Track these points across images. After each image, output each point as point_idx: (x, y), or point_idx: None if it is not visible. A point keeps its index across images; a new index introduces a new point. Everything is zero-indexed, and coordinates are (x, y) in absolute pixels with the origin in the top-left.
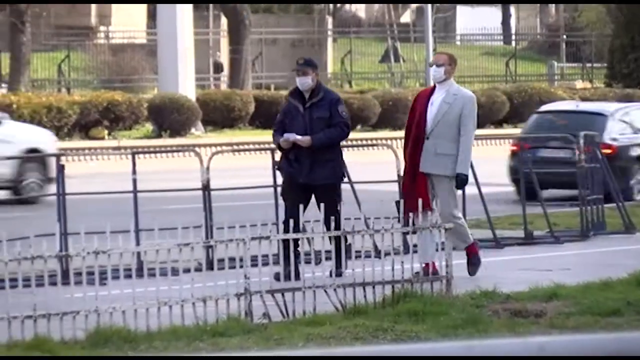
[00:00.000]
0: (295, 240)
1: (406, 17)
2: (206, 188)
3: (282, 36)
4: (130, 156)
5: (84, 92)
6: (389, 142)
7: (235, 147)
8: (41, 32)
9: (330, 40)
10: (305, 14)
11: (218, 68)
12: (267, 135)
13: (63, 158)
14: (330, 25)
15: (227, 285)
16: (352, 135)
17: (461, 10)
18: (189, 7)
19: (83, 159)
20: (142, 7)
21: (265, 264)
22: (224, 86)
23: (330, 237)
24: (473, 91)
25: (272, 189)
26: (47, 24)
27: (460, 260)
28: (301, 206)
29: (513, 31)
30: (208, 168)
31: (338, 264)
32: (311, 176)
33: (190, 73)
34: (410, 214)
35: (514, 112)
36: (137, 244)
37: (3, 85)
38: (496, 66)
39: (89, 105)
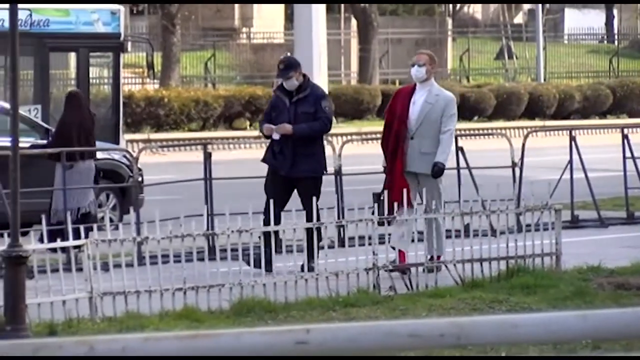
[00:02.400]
0: (276, 232)
1: (519, 18)
2: (339, 173)
3: (406, 36)
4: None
5: (228, 87)
6: (503, 131)
7: (364, 136)
8: (190, 34)
9: (450, 39)
10: (427, 16)
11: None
12: None
13: (209, 146)
14: (450, 26)
15: (357, 261)
16: (469, 125)
17: (569, 12)
18: (322, 10)
19: (227, 148)
20: (281, 11)
21: None
22: (353, 82)
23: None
24: (579, 86)
25: None
26: (195, 26)
27: (569, 239)
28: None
29: (616, 31)
30: (340, 155)
31: (310, 258)
32: (293, 169)
33: (324, 69)
34: (396, 205)
35: (617, 104)
36: (276, 223)
37: (156, 81)
38: (600, 63)
39: (232, 99)
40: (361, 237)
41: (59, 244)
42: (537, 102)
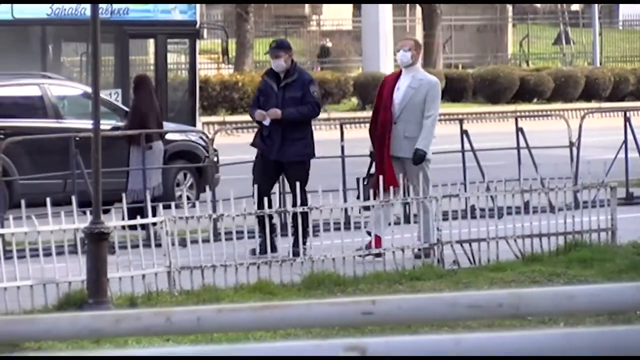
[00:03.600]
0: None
1: (575, 5)
2: None
3: (468, 22)
4: (338, 126)
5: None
6: (561, 112)
7: None
8: (262, 21)
9: (510, 26)
10: (489, 4)
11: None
12: (455, 107)
13: None
14: (510, 13)
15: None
16: (529, 107)
17: None
18: None
19: None
20: None
21: (455, 218)
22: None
23: (293, 215)
24: (634, 69)
25: (460, 154)
26: (267, 13)
27: (624, 215)
28: (271, 183)
29: None
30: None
31: (296, 243)
32: (281, 153)
33: (390, 54)
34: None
35: None
36: (345, 200)
37: (230, 66)
38: None
39: None
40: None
41: (139, 221)
42: (593, 85)
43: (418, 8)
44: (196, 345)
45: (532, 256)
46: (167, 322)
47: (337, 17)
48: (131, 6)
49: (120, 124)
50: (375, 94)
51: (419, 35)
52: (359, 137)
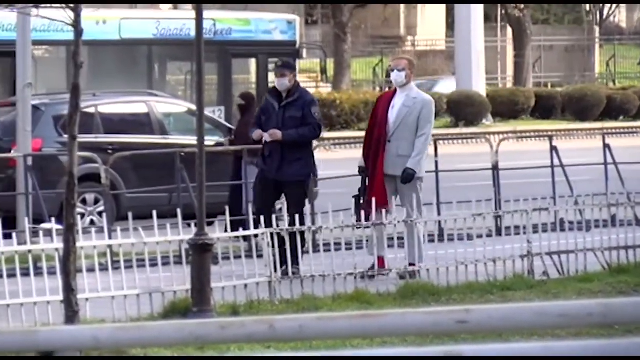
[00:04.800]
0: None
1: None
2: (495, 168)
3: (557, 43)
4: (432, 142)
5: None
6: None
7: (519, 135)
8: (359, 41)
9: (597, 46)
10: (576, 25)
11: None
12: (545, 125)
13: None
14: (597, 34)
15: (512, 249)
16: (615, 124)
17: None
18: (481, 19)
19: None
20: (442, 20)
21: (545, 231)
22: (509, 84)
23: (289, 234)
24: None
25: (549, 169)
26: (364, 34)
27: None
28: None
29: None
30: (497, 152)
31: (294, 261)
32: (280, 173)
33: (482, 73)
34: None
35: None
36: (439, 214)
37: (329, 84)
38: None
39: None
40: (516, 227)
41: (241, 232)
42: None
43: (509, 29)
44: (296, 352)
45: (619, 267)
46: (271, 329)
47: (431, 37)
48: (234, 27)
49: (223, 140)
50: (373, 113)
51: (510, 55)
52: (453, 153)
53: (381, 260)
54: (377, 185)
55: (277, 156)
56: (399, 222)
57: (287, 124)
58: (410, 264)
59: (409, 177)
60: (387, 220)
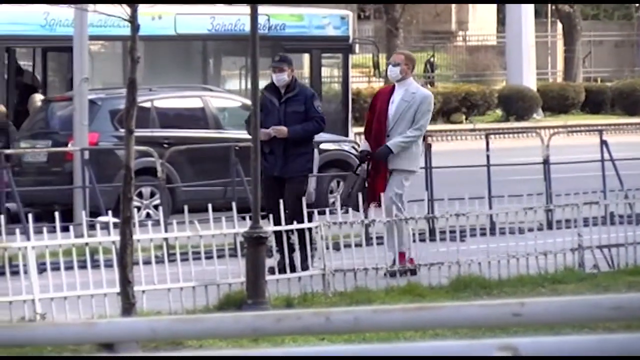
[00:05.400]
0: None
1: None
2: (546, 162)
3: (607, 38)
4: (483, 137)
5: (446, 85)
6: None
7: (569, 129)
8: (411, 36)
9: None
10: (626, 20)
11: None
12: (595, 119)
13: (429, 138)
14: None
15: (563, 242)
16: None
17: None
18: (531, 15)
19: (445, 139)
20: (493, 15)
21: (595, 224)
22: (559, 79)
23: (295, 232)
24: None
25: (599, 163)
26: (416, 29)
27: None
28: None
29: None
30: (547, 146)
31: (304, 257)
32: (284, 169)
33: (533, 68)
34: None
35: None
36: (490, 207)
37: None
38: None
39: (450, 95)
40: (567, 220)
41: (295, 226)
42: None
43: (559, 24)
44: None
45: None
46: (327, 321)
47: (482, 32)
48: (288, 22)
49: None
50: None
51: (560, 50)
52: (504, 147)
53: (402, 255)
54: (379, 182)
55: (279, 152)
56: (419, 218)
57: (290, 119)
58: (401, 254)
59: (381, 154)
60: (408, 216)
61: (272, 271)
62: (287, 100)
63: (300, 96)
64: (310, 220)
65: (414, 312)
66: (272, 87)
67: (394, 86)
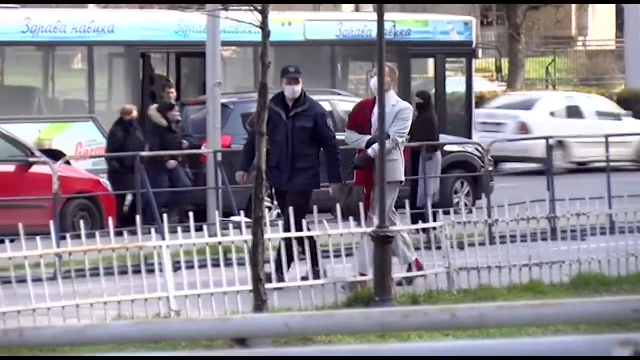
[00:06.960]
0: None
1: None
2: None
3: None
4: (605, 139)
5: (566, 89)
6: None
7: None
8: (533, 42)
9: None
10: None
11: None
12: None
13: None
14: None
15: None
16: None
17: None
18: None
19: None
20: (612, 21)
21: None
22: None
23: (303, 240)
24: None
25: None
26: (538, 35)
27: None
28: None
29: None
30: None
31: (315, 264)
32: (290, 184)
33: None
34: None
35: None
36: (610, 207)
37: (503, 83)
38: None
39: None
40: None
41: (420, 225)
42: None
43: None
44: (474, 339)
45: None
46: (453, 318)
47: (602, 37)
48: (413, 28)
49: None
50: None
51: None
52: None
53: (417, 262)
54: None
55: (286, 167)
56: (542, 217)
57: (297, 135)
58: (361, 274)
59: (362, 159)
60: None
61: (305, 279)
62: (295, 115)
63: (311, 112)
64: (435, 220)
65: (539, 308)
66: (279, 99)
67: (375, 98)
